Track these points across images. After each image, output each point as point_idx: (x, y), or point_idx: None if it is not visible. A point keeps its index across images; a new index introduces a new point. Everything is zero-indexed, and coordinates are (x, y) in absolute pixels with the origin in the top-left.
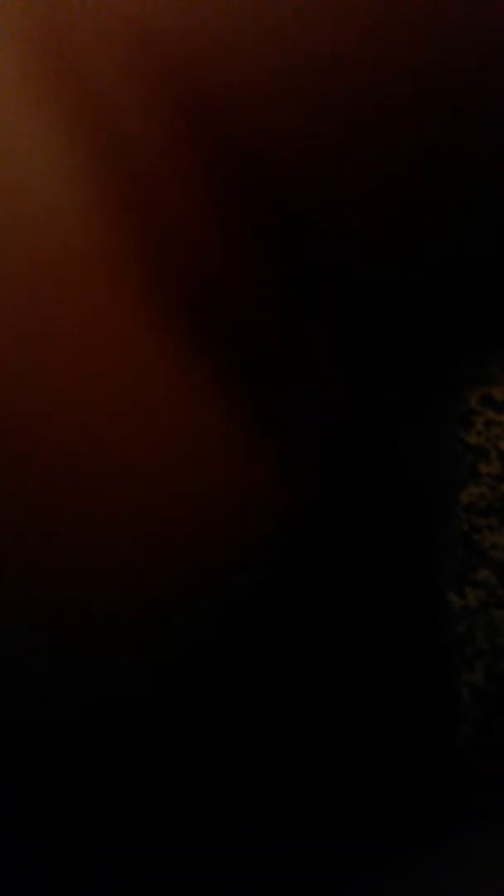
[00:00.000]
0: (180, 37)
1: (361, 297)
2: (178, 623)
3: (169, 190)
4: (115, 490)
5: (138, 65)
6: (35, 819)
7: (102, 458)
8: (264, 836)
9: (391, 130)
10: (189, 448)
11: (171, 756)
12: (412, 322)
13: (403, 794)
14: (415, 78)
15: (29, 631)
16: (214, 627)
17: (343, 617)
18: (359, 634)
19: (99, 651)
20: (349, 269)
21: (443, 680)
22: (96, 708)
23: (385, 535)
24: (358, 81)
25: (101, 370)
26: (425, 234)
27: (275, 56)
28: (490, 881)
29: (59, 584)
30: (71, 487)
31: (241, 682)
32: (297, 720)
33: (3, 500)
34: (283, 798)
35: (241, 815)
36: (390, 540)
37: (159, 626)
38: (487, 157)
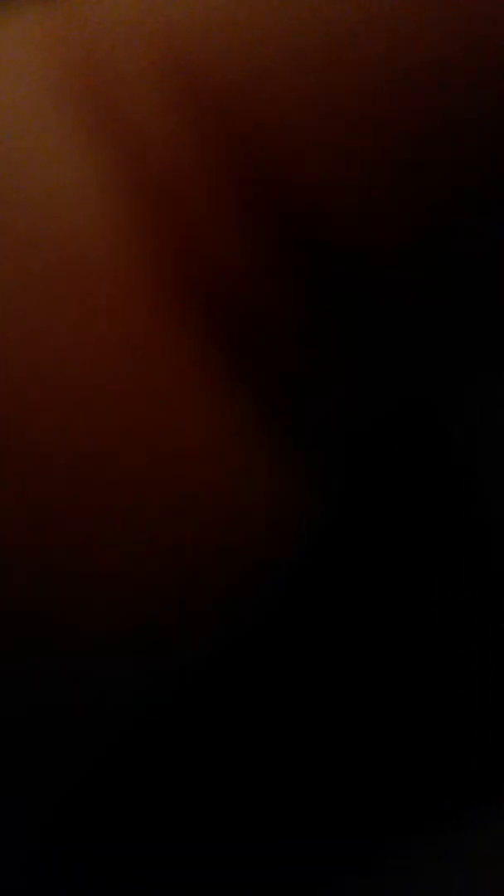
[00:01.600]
0: (205, 46)
1: (386, 303)
2: (196, 618)
3: (192, 198)
4: (127, 496)
5: (164, 71)
6: (33, 814)
7: (113, 464)
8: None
9: (420, 141)
10: (206, 455)
11: (176, 755)
12: (437, 312)
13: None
14: (445, 90)
15: (29, 628)
16: (229, 626)
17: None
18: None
19: (100, 652)
20: (375, 273)
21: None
22: (95, 712)
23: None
24: (388, 92)
25: (116, 378)
26: (453, 239)
27: (307, 60)
28: None
29: (64, 586)
30: (78, 493)
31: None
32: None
33: (10, 500)
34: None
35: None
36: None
37: (174, 621)
38: None
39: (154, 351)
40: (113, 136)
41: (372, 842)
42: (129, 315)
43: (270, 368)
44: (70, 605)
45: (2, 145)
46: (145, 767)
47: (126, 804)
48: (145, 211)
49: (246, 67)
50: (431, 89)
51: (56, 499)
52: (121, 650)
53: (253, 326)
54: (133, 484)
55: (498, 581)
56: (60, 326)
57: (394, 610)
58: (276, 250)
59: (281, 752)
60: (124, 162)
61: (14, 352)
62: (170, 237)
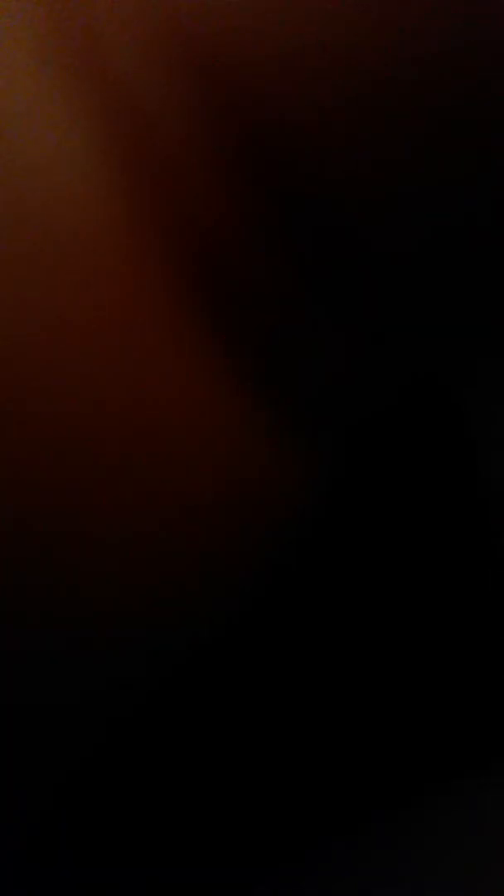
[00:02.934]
0: (203, 18)
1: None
2: (197, 613)
3: (189, 176)
4: (125, 481)
5: (159, 46)
6: (30, 807)
7: (113, 447)
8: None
9: (414, 114)
10: (206, 437)
11: (174, 749)
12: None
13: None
14: (428, 60)
15: (33, 619)
16: (230, 618)
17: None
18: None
19: (101, 643)
20: (372, 243)
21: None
22: (96, 698)
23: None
24: (380, 62)
25: (116, 358)
26: (442, 207)
27: (303, 37)
28: None
29: (67, 576)
30: (78, 479)
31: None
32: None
33: (12, 490)
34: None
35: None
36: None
37: (175, 615)
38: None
39: (153, 325)
40: (110, 107)
41: (364, 819)
42: (126, 288)
43: (267, 341)
44: (70, 576)
45: (3, 121)
46: (140, 752)
47: (120, 790)
48: (143, 181)
49: (243, 36)
50: (428, 45)
51: (54, 485)
52: (118, 628)
53: (250, 298)
54: (127, 457)
55: (499, 559)
56: (56, 299)
57: (391, 587)
58: (272, 218)
59: (277, 734)
60: (121, 131)
61: (14, 326)
62: (168, 207)
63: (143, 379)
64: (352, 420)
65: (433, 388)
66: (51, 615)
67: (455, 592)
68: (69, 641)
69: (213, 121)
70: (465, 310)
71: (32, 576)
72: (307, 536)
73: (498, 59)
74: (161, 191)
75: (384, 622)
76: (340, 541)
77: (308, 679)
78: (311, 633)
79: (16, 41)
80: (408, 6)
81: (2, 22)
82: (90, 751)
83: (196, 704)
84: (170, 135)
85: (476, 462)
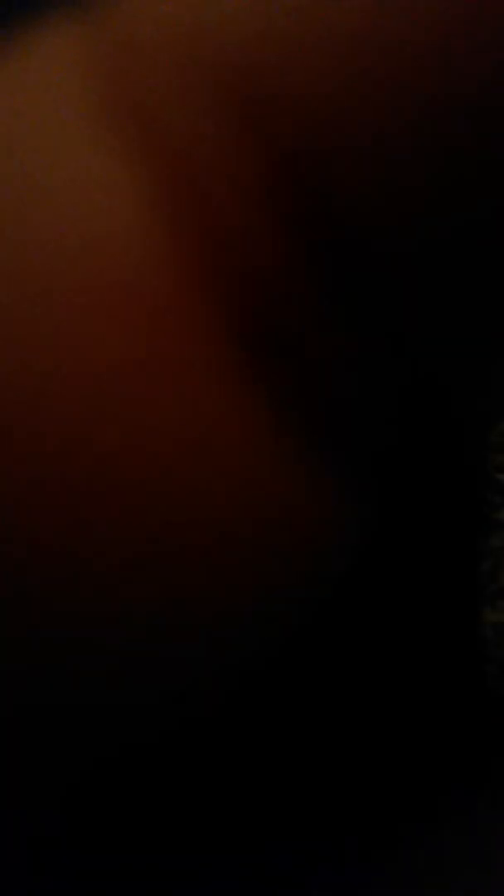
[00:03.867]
0: (246, 57)
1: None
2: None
3: (225, 202)
4: (167, 509)
5: (199, 79)
6: (36, 815)
7: (155, 476)
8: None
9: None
10: (246, 469)
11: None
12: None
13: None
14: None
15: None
16: (274, 640)
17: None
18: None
19: (153, 662)
20: (422, 287)
21: (468, 621)
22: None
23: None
24: (433, 94)
25: (157, 392)
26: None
27: (347, 72)
28: None
29: (123, 594)
30: (123, 507)
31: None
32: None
33: (71, 509)
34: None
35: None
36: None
37: (216, 637)
38: None
39: (188, 359)
40: (149, 146)
41: (372, 837)
42: (163, 322)
43: (299, 370)
44: (128, 611)
45: (39, 159)
46: (147, 768)
47: (126, 800)
48: (181, 218)
49: (281, 70)
50: (456, 64)
51: (87, 494)
52: (173, 659)
53: (283, 328)
54: (160, 485)
55: None
56: (93, 338)
57: (423, 613)
58: (307, 248)
59: (287, 755)
60: (160, 170)
61: (50, 357)
62: (205, 243)
63: (189, 419)
64: (389, 452)
65: (472, 427)
66: (74, 640)
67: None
68: (84, 665)
69: (259, 159)
70: None
71: (83, 602)
72: (346, 568)
73: None
74: (197, 224)
75: (418, 652)
76: (377, 570)
77: (339, 705)
78: (348, 663)
79: (55, 83)
80: (454, 40)
81: (48, 74)
82: (94, 763)
83: (229, 732)
84: (214, 174)
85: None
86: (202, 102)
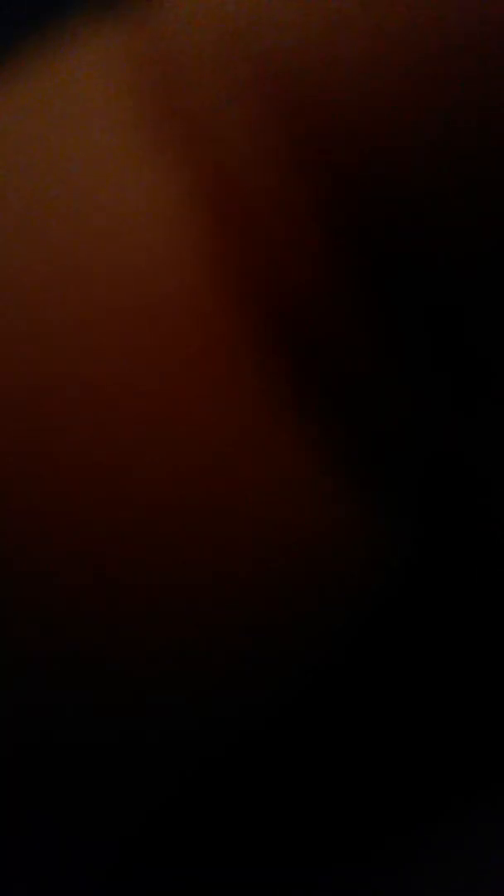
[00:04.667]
0: (293, 70)
1: (468, 343)
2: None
3: (276, 230)
4: (207, 534)
5: (246, 96)
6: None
7: (194, 500)
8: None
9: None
10: (284, 493)
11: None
12: None
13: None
14: None
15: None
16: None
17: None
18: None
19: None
20: (454, 310)
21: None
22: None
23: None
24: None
25: (199, 412)
26: None
27: (397, 88)
28: None
29: (170, 625)
30: (158, 531)
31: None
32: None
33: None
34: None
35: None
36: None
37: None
38: None
39: (232, 381)
40: (196, 159)
41: (371, 844)
42: (208, 346)
43: (341, 390)
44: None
45: (86, 171)
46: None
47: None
48: (228, 235)
49: (325, 81)
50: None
51: (137, 521)
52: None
53: (331, 350)
54: (206, 512)
55: None
56: (139, 356)
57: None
58: (357, 269)
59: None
60: (208, 184)
61: (99, 378)
62: (252, 262)
63: (232, 450)
64: (430, 482)
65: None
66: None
67: None
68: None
69: (304, 173)
70: None
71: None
72: (387, 596)
73: None
74: (245, 242)
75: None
76: (418, 600)
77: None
78: (388, 685)
79: (101, 94)
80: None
81: (91, 84)
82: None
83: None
84: (258, 188)
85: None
86: (244, 113)
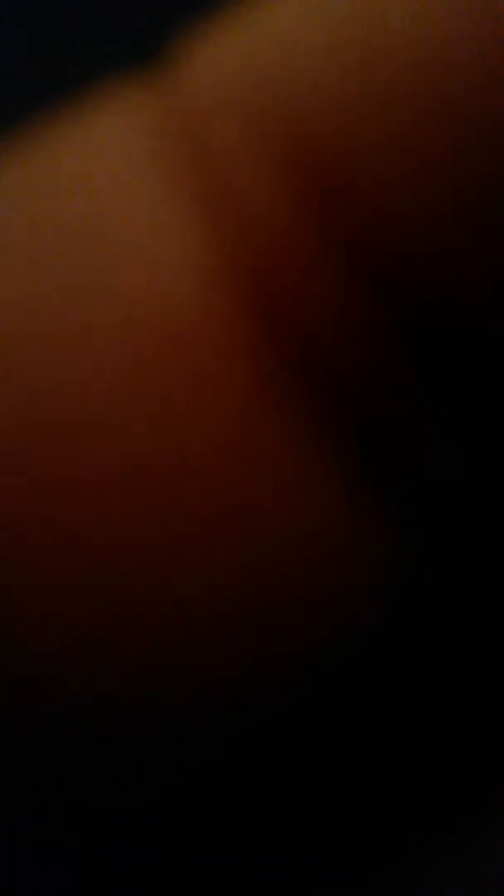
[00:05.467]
0: (307, 125)
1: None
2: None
3: (292, 266)
4: (222, 563)
5: (266, 149)
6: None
7: (215, 528)
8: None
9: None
10: (304, 521)
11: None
12: None
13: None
14: None
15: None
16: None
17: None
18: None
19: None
20: (468, 345)
21: None
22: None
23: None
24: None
25: (225, 450)
26: None
27: (402, 144)
28: None
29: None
30: (168, 562)
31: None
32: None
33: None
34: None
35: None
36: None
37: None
38: None
39: (255, 419)
40: (217, 208)
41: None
42: (229, 383)
43: (363, 426)
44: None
45: (109, 220)
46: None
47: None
48: (247, 282)
49: (348, 138)
50: None
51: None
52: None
53: (346, 383)
54: (229, 545)
55: None
56: (160, 399)
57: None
58: (371, 308)
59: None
60: (227, 233)
61: (122, 414)
62: (270, 305)
63: (247, 476)
64: (441, 504)
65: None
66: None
67: None
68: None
69: (320, 220)
70: None
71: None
72: (399, 610)
73: None
74: (263, 288)
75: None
76: (430, 616)
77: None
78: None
79: (126, 146)
80: None
81: (120, 137)
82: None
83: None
84: (275, 236)
85: None
86: (264, 167)
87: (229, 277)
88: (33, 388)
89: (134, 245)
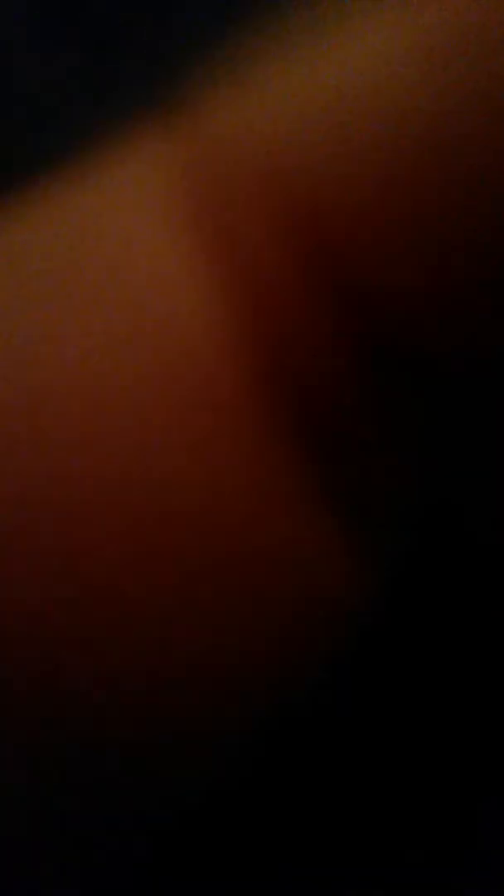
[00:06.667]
0: (310, 192)
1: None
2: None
3: (294, 318)
4: (212, 594)
5: (278, 212)
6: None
7: (193, 543)
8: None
9: None
10: (293, 555)
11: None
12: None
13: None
14: None
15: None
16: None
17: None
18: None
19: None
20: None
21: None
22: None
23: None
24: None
25: (230, 496)
26: None
27: (399, 211)
28: None
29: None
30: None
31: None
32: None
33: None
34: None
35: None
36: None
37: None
38: None
39: (251, 462)
40: (229, 262)
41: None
42: (239, 442)
43: (351, 470)
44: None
45: (127, 272)
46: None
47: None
48: (253, 330)
49: (352, 204)
50: None
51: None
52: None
53: (337, 430)
54: (207, 557)
55: None
56: (176, 450)
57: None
58: (368, 364)
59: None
60: (237, 286)
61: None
62: (275, 357)
63: (246, 517)
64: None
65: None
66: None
67: None
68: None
69: (321, 276)
70: None
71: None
72: (370, 630)
73: None
74: (269, 337)
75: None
76: (400, 634)
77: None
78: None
79: (143, 199)
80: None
81: (137, 192)
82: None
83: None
84: (282, 294)
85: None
86: (275, 226)
87: (238, 331)
88: (58, 439)
89: (142, 296)
